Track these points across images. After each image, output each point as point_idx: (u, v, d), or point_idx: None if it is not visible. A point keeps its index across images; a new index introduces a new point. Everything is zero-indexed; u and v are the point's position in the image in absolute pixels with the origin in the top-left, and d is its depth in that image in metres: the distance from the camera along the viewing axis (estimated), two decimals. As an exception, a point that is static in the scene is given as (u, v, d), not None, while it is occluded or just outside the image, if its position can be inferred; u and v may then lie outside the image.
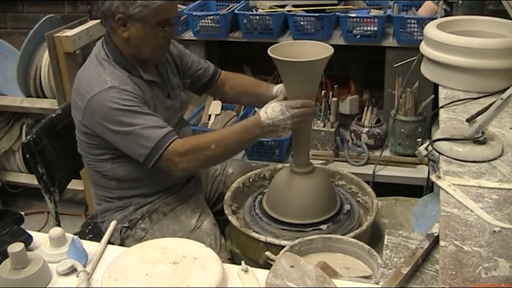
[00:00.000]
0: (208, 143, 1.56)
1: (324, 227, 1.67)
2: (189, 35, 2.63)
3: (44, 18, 2.62)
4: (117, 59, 1.62)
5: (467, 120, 1.31)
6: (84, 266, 1.16)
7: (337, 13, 2.43)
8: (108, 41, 1.65)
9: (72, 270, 1.15)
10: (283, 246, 1.44)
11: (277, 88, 1.83)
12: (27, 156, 1.76)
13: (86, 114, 1.59)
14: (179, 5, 2.72)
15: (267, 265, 1.19)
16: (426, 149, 1.36)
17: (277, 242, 1.59)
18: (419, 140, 1.73)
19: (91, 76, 1.59)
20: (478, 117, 1.28)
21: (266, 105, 1.57)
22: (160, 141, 1.53)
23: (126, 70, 1.62)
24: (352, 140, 2.50)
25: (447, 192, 1.16)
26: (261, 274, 1.12)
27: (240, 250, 1.73)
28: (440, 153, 1.32)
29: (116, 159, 1.67)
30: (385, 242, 1.27)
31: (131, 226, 1.74)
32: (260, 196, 1.83)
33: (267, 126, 1.55)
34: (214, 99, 2.81)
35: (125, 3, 1.55)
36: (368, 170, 2.37)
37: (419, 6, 2.47)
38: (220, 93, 2.03)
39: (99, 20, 2.61)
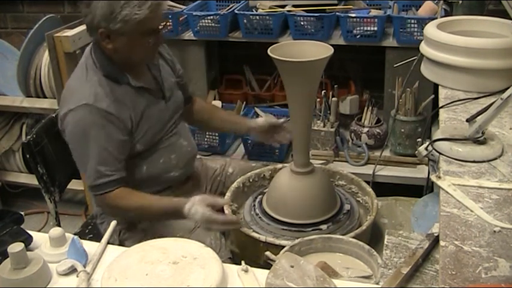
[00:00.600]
0: (133, 209, 1.61)
1: (324, 227, 1.67)
2: (189, 35, 2.63)
3: (44, 18, 2.62)
4: (104, 66, 1.61)
5: (467, 120, 1.31)
6: (84, 266, 1.16)
7: (337, 13, 2.42)
8: (96, 48, 1.63)
9: (72, 270, 1.15)
10: (283, 246, 1.44)
11: (260, 121, 1.89)
12: (27, 156, 1.77)
13: (61, 124, 1.63)
14: (179, 5, 2.73)
15: (267, 265, 1.19)
16: (426, 149, 1.36)
17: (277, 242, 1.59)
18: (419, 140, 1.73)
19: (74, 87, 1.62)
20: (478, 117, 1.28)
21: (193, 202, 1.54)
22: (96, 187, 1.60)
23: (113, 78, 1.61)
24: (352, 140, 2.50)
25: (447, 192, 1.16)
26: (261, 274, 1.12)
27: (240, 250, 1.73)
28: (440, 153, 1.32)
29: None
30: (385, 242, 1.27)
31: (130, 227, 1.74)
32: (260, 196, 1.83)
33: (187, 218, 1.57)
34: (214, 99, 2.81)
35: (106, 19, 1.52)
36: (368, 170, 2.37)
37: (419, 6, 2.47)
38: (188, 118, 1.96)
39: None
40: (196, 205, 1.53)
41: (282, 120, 1.92)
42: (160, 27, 1.60)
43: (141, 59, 1.65)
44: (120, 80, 1.62)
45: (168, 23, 1.71)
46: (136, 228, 1.74)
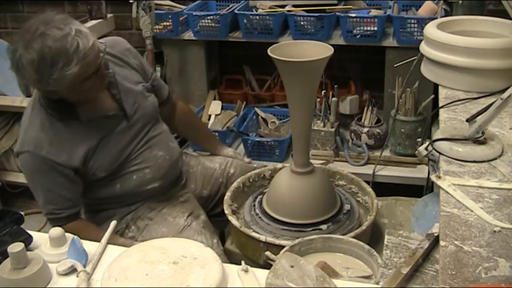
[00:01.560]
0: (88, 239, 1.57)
1: (324, 227, 1.67)
2: (189, 35, 2.64)
3: (44, 18, 2.61)
4: (50, 106, 1.57)
5: (467, 120, 1.31)
6: (84, 266, 1.16)
7: (337, 13, 2.43)
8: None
9: (72, 270, 1.15)
10: (283, 246, 1.44)
11: (230, 151, 2.04)
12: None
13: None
14: (179, 5, 2.73)
15: (267, 265, 1.19)
16: (426, 149, 1.36)
17: (277, 242, 1.59)
18: (419, 140, 1.73)
19: (22, 127, 1.62)
20: (478, 117, 1.28)
21: None
22: (49, 220, 1.70)
23: (59, 117, 1.57)
24: (352, 140, 2.50)
25: (447, 192, 1.15)
26: (261, 274, 1.12)
27: (240, 250, 1.73)
28: (440, 153, 1.32)
29: (85, 187, 1.68)
30: (385, 242, 1.27)
31: (120, 234, 1.73)
32: (260, 196, 1.83)
33: None
34: (214, 99, 2.82)
35: (38, 84, 1.48)
36: (368, 170, 2.37)
37: (419, 6, 2.47)
38: (168, 120, 1.93)
39: (99, 20, 2.62)
40: None
41: (247, 160, 2.06)
42: (97, 67, 1.50)
43: (89, 97, 1.58)
44: (67, 118, 1.58)
45: (144, 19, 1.69)
46: (124, 236, 1.73)
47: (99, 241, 1.29)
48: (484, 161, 1.27)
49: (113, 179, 1.68)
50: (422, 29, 1.82)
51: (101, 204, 1.75)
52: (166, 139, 1.81)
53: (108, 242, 1.28)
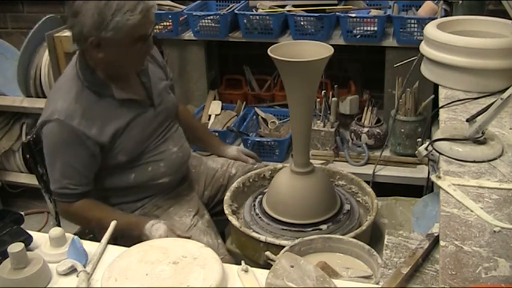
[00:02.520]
0: (92, 220, 1.64)
1: (324, 227, 1.67)
2: (189, 35, 2.63)
3: (44, 18, 2.62)
4: (87, 78, 1.59)
5: (467, 120, 1.31)
6: (84, 266, 1.16)
7: (337, 13, 2.43)
8: (81, 59, 1.60)
9: (72, 270, 1.15)
10: (283, 246, 1.44)
11: (236, 151, 2.02)
12: (27, 156, 1.77)
13: (40, 128, 1.64)
14: (179, 5, 2.73)
15: (267, 265, 1.19)
16: (426, 149, 1.36)
17: (277, 242, 1.59)
18: (419, 140, 1.73)
19: (53, 96, 1.62)
20: (478, 117, 1.28)
21: (159, 221, 1.60)
22: (58, 195, 1.64)
23: (94, 91, 1.59)
24: (352, 140, 2.50)
25: (447, 192, 1.15)
26: (261, 274, 1.12)
27: (240, 250, 1.73)
28: (440, 153, 1.32)
29: (100, 171, 1.67)
30: (385, 242, 1.27)
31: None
32: (260, 196, 1.83)
33: (143, 235, 1.59)
34: (214, 99, 2.81)
35: (96, 28, 1.48)
36: (368, 170, 2.37)
37: (419, 6, 2.47)
38: None
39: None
40: (161, 223, 1.59)
41: (251, 161, 2.03)
42: (150, 32, 1.57)
43: (130, 67, 1.64)
44: (103, 93, 1.60)
45: (157, 28, 1.71)
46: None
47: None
48: (484, 161, 1.27)
49: (130, 168, 1.68)
50: (422, 29, 1.82)
51: (109, 197, 1.73)
52: (181, 137, 1.84)
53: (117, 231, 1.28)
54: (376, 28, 2.36)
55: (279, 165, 2.00)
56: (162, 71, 1.83)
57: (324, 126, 2.47)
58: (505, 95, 1.20)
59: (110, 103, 1.61)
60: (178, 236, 1.54)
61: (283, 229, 1.67)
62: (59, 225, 1.91)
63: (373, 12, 2.49)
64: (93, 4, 1.47)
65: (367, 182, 1.93)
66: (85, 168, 1.61)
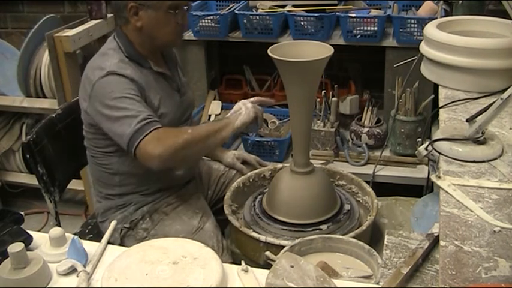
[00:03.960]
0: (183, 133, 1.55)
1: (324, 227, 1.67)
2: (189, 35, 2.63)
3: (44, 18, 2.61)
4: (128, 51, 1.64)
5: (467, 120, 1.31)
6: (84, 266, 1.16)
7: (337, 13, 2.43)
8: (120, 33, 1.67)
9: (72, 270, 1.15)
10: (283, 246, 1.44)
11: (232, 156, 1.99)
12: (27, 156, 1.76)
13: (90, 101, 1.59)
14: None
15: (267, 265, 1.19)
16: (426, 149, 1.36)
17: (277, 242, 1.59)
18: (419, 140, 1.73)
19: (96, 64, 1.62)
20: (478, 117, 1.28)
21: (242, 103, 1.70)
22: (142, 128, 1.50)
23: (136, 62, 1.64)
24: (352, 140, 2.50)
25: (447, 192, 1.15)
26: (261, 274, 1.12)
27: (240, 250, 1.73)
28: (440, 153, 1.32)
29: (122, 153, 1.66)
30: (385, 242, 1.27)
31: (132, 226, 1.74)
32: (260, 196, 1.83)
33: (230, 116, 1.66)
34: (214, 99, 2.81)
35: None
36: (368, 170, 2.37)
37: (419, 6, 2.47)
38: None
39: (99, 20, 2.62)
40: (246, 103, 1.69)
41: (246, 170, 1.98)
42: (185, 7, 1.65)
43: (167, 41, 1.68)
44: (142, 65, 1.65)
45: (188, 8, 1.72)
46: (138, 227, 1.74)
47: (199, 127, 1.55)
48: (484, 161, 1.27)
49: None
50: (422, 29, 1.82)
51: (124, 184, 1.73)
52: None
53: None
54: (376, 28, 2.36)
55: (279, 165, 2.00)
56: (180, 70, 1.87)
57: (324, 126, 2.47)
58: (505, 95, 1.20)
59: (148, 74, 1.66)
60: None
61: (283, 229, 1.67)
62: (59, 225, 1.91)
63: (373, 12, 2.49)
64: None
65: (367, 182, 1.93)
66: (147, 108, 1.57)
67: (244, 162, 2.02)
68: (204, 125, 1.74)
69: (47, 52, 2.50)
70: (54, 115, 1.86)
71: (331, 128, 2.46)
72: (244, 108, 1.66)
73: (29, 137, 1.77)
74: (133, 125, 1.50)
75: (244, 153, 2.05)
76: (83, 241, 1.23)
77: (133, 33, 1.65)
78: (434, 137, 1.36)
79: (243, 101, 1.70)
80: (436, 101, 1.84)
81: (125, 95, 1.55)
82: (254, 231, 1.67)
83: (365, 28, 2.38)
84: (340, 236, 1.45)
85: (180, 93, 1.77)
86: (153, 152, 1.49)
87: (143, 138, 1.50)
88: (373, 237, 1.71)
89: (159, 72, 1.69)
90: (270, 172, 1.96)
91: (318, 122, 2.48)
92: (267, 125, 2.68)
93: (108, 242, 1.27)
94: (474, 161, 1.27)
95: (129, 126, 1.50)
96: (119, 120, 1.53)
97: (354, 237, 1.46)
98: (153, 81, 1.66)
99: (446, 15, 2.11)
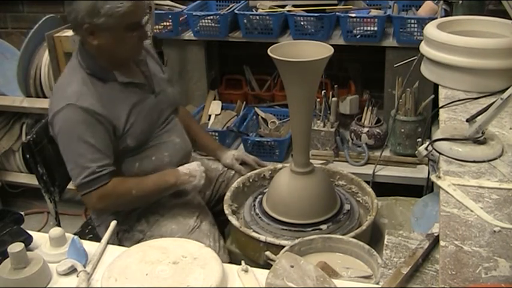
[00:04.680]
0: (130, 189, 1.65)
1: (324, 227, 1.67)
2: (189, 35, 2.63)
3: (44, 18, 2.62)
4: (89, 65, 1.63)
5: (467, 120, 1.31)
6: (84, 266, 1.16)
7: (337, 13, 2.43)
8: (81, 49, 1.66)
9: (72, 270, 1.15)
10: (283, 246, 1.44)
11: (231, 157, 1.98)
12: (27, 156, 1.77)
13: (51, 128, 1.64)
14: (179, 5, 2.73)
15: (267, 265, 1.19)
16: (426, 149, 1.36)
17: (277, 242, 1.59)
18: (419, 140, 1.73)
19: (58, 90, 1.65)
20: (478, 117, 1.28)
21: (186, 164, 1.74)
22: (87, 183, 1.59)
23: (98, 77, 1.63)
24: (352, 140, 2.50)
25: (447, 192, 1.15)
26: (261, 274, 1.12)
27: (240, 250, 1.73)
28: (440, 153, 1.32)
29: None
30: (385, 242, 1.27)
31: (128, 229, 1.73)
32: (260, 196, 1.83)
33: (182, 175, 1.68)
34: (214, 99, 2.81)
35: (89, 14, 1.54)
36: (368, 170, 2.37)
37: (419, 6, 2.47)
38: None
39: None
40: (192, 162, 1.73)
41: (245, 171, 1.97)
42: (143, 21, 1.64)
43: (126, 55, 1.67)
44: (106, 78, 1.64)
45: (148, 16, 1.76)
46: (134, 229, 1.74)
47: (146, 182, 1.62)
48: (484, 161, 1.27)
49: (134, 156, 1.70)
50: (422, 29, 1.82)
51: None
52: (182, 130, 1.86)
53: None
54: (376, 28, 2.36)
55: (279, 165, 2.00)
56: (158, 67, 1.86)
57: (324, 126, 2.47)
58: (505, 95, 1.20)
59: (114, 87, 1.65)
60: (205, 173, 1.70)
61: (283, 229, 1.67)
62: (59, 225, 1.91)
63: (373, 12, 2.49)
64: None
65: (367, 182, 1.93)
66: (107, 147, 1.61)
67: (243, 163, 2.00)
68: (152, 182, 1.68)
69: (47, 52, 2.50)
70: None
71: (331, 128, 2.46)
72: (198, 176, 1.70)
73: (29, 137, 1.77)
74: (81, 177, 1.59)
75: (244, 153, 2.04)
76: (83, 241, 1.23)
77: (94, 50, 1.63)
78: (434, 137, 1.36)
79: (198, 166, 1.71)
80: (436, 101, 1.84)
81: (80, 137, 1.57)
82: (254, 231, 1.67)
83: (365, 28, 2.38)
84: (340, 236, 1.45)
85: (155, 93, 1.75)
86: (94, 206, 1.67)
87: (88, 193, 1.60)
88: (373, 237, 1.70)
89: (126, 82, 1.67)
90: (270, 172, 1.96)
91: (318, 122, 2.48)
92: (267, 125, 2.68)
93: (108, 242, 1.27)
94: (474, 161, 1.27)
95: (78, 176, 1.59)
96: (70, 162, 1.62)
97: (354, 237, 1.46)
98: (119, 92, 1.65)
99: (446, 15, 2.11)
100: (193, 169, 1.69)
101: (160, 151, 1.73)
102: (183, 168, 1.69)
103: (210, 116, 2.74)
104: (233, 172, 1.98)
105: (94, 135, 1.58)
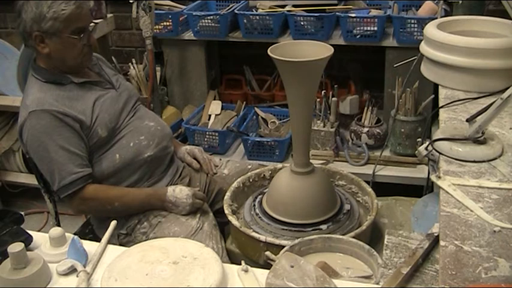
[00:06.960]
0: (113, 200, 1.69)
1: (324, 227, 1.67)
2: (189, 35, 2.64)
3: (44, 18, 2.61)
4: (43, 75, 1.69)
5: (467, 120, 1.31)
6: (84, 266, 1.16)
7: (337, 13, 2.43)
8: (34, 65, 1.73)
9: (72, 270, 1.15)
10: (283, 246, 1.44)
11: (184, 151, 1.97)
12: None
13: (21, 142, 1.70)
14: (179, 5, 2.73)
15: (267, 265, 1.19)
16: (426, 149, 1.35)
17: (277, 242, 1.59)
18: (419, 140, 1.73)
19: (21, 104, 1.69)
20: (478, 117, 1.28)
21: (176, 185, 1.75)
22: (66, 186, 1.63)
23: (55, 82, 1.68)
24: (352, 140, 2.50)
25: (447, 192, 1.15)
26: (261, 274, 1.12)
27: (240, 250, 1.73)
28: (440, 153, 1.32)
29: (106, 156, 1.72)
30: (385, 242, 1.27)
31: (129, 232, 1.73)
32: (260, 196, 1.83)
33: (168, 202, 1.71)
34: (214, 99, 2.82)
35: (36, 20, 1.61)
36: (368, 170, 2.37)
37: (419, 6, 2.47)
38: None
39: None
40: (181, 187, 1.72)
41: (195, 164, 1.95)
42: (89, 27, 1.70)
43: (77, 62, 1.71)
44: (62, 81, 1.69)
45: (93, 23, 1.78)
46: (135, 232, 1.73)
47: (129, 196, 1.64)
48: (484, 161, 1.27)
49: (112, 147, 1.73)
50: (422, 29, 1.82)
51: (114, 184, 1.76)
52: (156, 116, 1.93)
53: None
54: (376, 28, 2.36)
55: (279, 165, 2.00)
56: (113, 71, 1.92)
57: (324, 126, 2.47)
58: (505, 95, 1.20)
59: (71, 88, 1.70)
60: (198, 198, 1.73)
61: (283, 229, 1.67)
62: (59, 225, 1.91)
63: (373, 12, 2.50)
64: (33, 1, 1.61)
65: (367, 182, 1.93)
66: (78, 148, 1.65)
67: (195, 157, 1.98)
68: (138, 200, 1.72)
69: (47, 52, 2.50)
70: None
71: (331, 128, 2.46)
72: (180, 208, 1.71)
73: (29, 137, 1.76)
74: (57, 182, 1.63)
75: (197, 149, 2.00)
76: (83, 241, 1.23)
77: (44, 60, 1.69)
78: (434, 137, 1.36)
79: (187, 198, 1.71)
80: (436, 101, 1.84)
81: (48, 141, 1.61)
82: (254, 231, 1.67)
83: (365, 28, 2.38)
84: (340, 236, 1.45)
85: (114, 88, 1.81)
86: (76, 208, 1.73)
87: (67, 196, 1.65)
88: (373, 237, 1.70)
89: (82, 82, 1.72)
90: (270, 172, 1.96)
91: (318, 122, 2.48)
92: (267, 125, 2.68)
93: (108, 242, 1.27)
94: (474, 161, 1.27)
95: (55, 182, 1.64)
96: (44, 170, 1.66)
97: (354, 237, 1.46)
98: (78, 91, 1.71)
99: (446, 15, 2.11)
100: (180, 200, 1.70)
101: (137, 136, 1.76)
102: (171, 196, 1.71)
103: (210, 116, 2.74)
104: (226, 172, 1.99)
105: (63, 137, 1.62)
